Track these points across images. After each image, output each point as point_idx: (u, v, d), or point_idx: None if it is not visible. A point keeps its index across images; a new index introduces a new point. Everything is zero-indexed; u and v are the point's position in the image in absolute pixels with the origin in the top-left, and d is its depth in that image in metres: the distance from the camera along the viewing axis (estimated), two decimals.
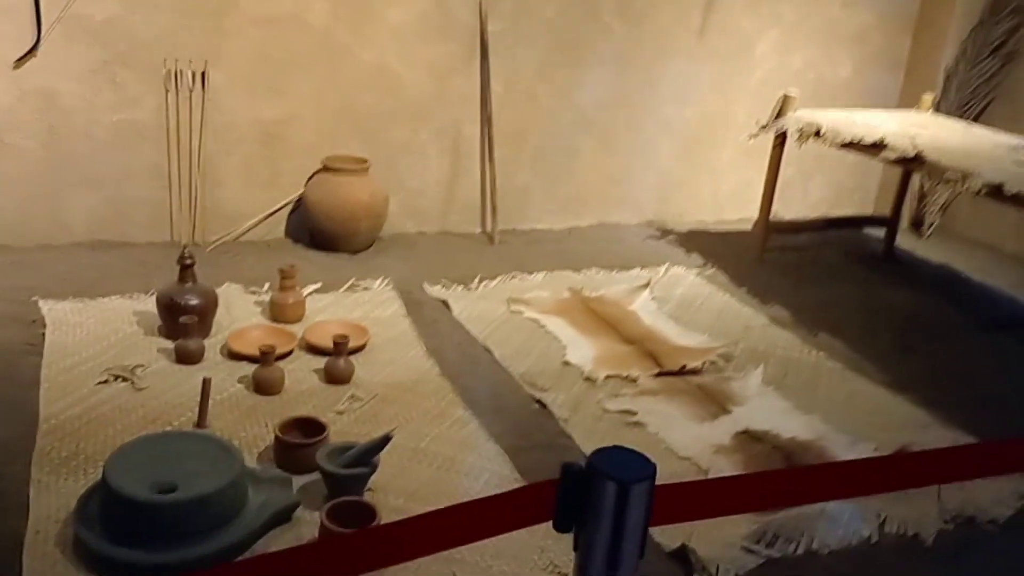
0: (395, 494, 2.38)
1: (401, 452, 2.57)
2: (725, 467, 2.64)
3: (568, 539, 1.14)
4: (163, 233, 4.06)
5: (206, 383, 2.56)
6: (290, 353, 3.09)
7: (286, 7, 3.97)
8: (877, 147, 3.70)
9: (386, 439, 2.28)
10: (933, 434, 2.95)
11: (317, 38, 4.05)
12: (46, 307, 3.28)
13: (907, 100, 5.28)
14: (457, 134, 4.45)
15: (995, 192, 3.16)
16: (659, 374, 3.17)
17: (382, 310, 3.54)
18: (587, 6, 4.48)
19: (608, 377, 3.13)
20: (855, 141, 3.79)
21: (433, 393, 2.92)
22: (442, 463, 2.54)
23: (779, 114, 4.27)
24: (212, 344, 3.09)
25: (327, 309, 3.50)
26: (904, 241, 5.01)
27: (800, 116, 4.16)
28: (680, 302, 3.93)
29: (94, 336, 3.10)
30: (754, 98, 4.94)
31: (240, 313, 3.38)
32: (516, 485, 2.40)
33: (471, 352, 3.27)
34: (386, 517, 2.16)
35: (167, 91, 3.88)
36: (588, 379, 3.11)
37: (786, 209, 5.27)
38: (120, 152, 3.90)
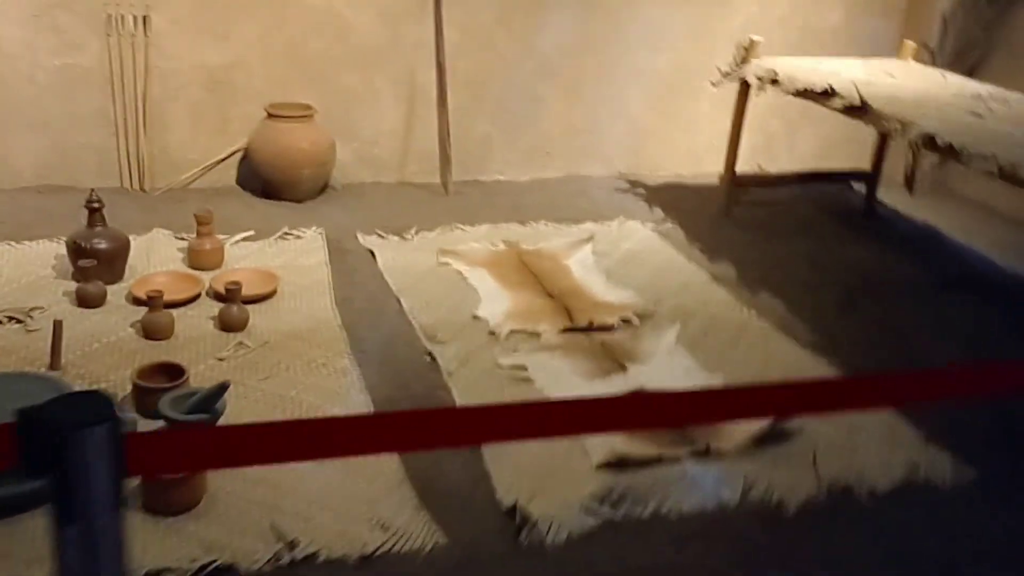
0: None
1: (267, 400, 2.55)
2: None
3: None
4: (112, 179, 4.09)
5: (57, 326, 2.57)
6: (195, 299, 3.09)
7: None
8: (826, 95, 3.50)
9: (222, 387, 2.26)
10: None
11: None
12: None
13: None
14: (412, 82, 4.37)
15: (930, 143, 2.95)
16: (565, 330, 3.08)
17: (305, 259, 3.51)
18: None
19: (513, 332, 3.06)
20: (807, 89, 3.59)
21: (324, 343, 2.89)
22: (304, 412, 2.52)
23: (743, 61, 4.07)
24: (121, 289, 3.11)
25: (249, 256, 3.49)
26: (894, 198, 4.77)
27: (760, 63, 3.96)
28: (624, 257, 3.82)
29: (6, 278, 3.15)
30: (734, 45, 4.72)
31: (160, 259, 3.39)
32: None
33: (381, 303, 3.23)
34: None
35: (108, 36, 3.87)
36: (492, 333, 3.04)
37: (772, 163, 5.07)
38: (64, 97, 3.93)
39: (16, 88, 3.86)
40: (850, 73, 3.83)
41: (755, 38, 4.06)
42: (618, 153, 4.86)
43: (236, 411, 2.47)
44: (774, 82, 3.80)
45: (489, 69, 4.47)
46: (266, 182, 4.08)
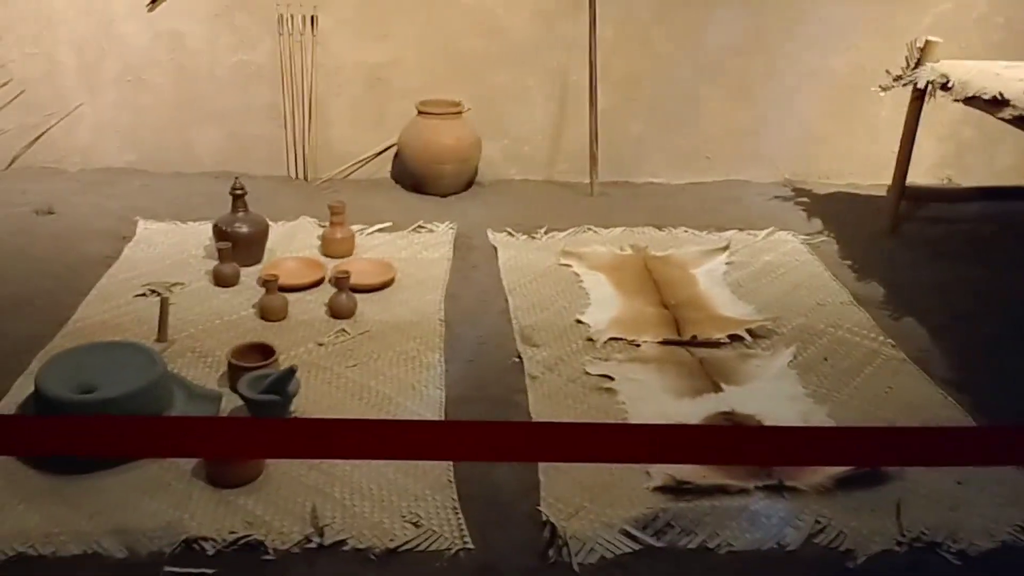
0: None
1: (348, 387, 2.65)
2: None
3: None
4: (279, 168, 4.40)
5: (164, 302, 2.79)
6: (317, 284, 3.26)
7: None
8: (996, 103, 3.11)
9: (291, 371, 2.37)
10: None
11: None
12: (143, 226, 3.72)
13: None
14: (563, 81, 4.35)
15: None
16: (666, 342, 2.96)
17: (430, 252, 3.61)
18: None
19: (612, 340, 2.98)
20: (976, 95, 3.21)
21: (421, 336, 2.95)
22: (378, 402, 2.59)
23: (916, 64, 3.70)
24: (257, 272, 3.34)
25: (379, 247, 3.63)
26: None
27: (935, 67, 3.59)
28: (761, 269, 3.60)
29: (162, 255, 3.48)
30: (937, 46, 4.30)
31: (299, 245, 3.61)
32: None
33: (489, 301, 3.25)
34: None
35: (279, 34, 4.16)
36: (590, 339, 2.98)
37: (964, 175, 4.60)
38: (240, 91, 4.27)
39: (199, 82, 4.23)
40: None
41: (932, 39, 3.67)
42: (784, 158, 4.58)
43: (317, 394, 2.59)
44: (945, 88, 3.42)
45: (644, 68, 4.36)
46: (412, 176, 4.22)
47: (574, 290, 3.35)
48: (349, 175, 4.40)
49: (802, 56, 4.36)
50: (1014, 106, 3.01)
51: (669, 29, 4.29)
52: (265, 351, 2.64)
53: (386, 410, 2.55)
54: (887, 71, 3.77)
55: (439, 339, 2.94)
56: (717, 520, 2.16)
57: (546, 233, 3.84)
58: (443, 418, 2.51)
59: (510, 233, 3.82)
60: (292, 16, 4.14)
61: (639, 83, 4.39)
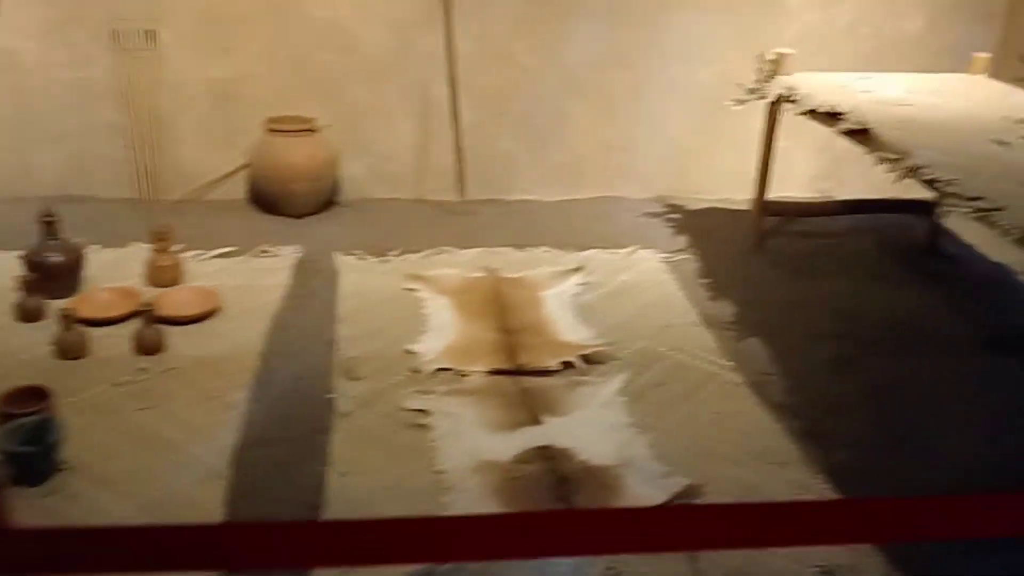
0: (89, 476, 2.27)
1: (132, 433, 2.45)
2: (472, 487, 2.28)
3: None
4: (126, 190, 4.17)
5: None
6: (131, 316, 3.04)
7: None
8: (832, 116, 3.03)
9: (47, 419, 2.17)
10: (781, 477, 2.39)
11: None
12: None
13: (1008, 59, 4.34)
14: (425, 96, 4.19)
15: (915, 172, 2.46)
16: (493, 371, 2.80)
17: (267, 278, 3.42)
18: None
19: (440, 370, 2.82)
20: (816, 109, 3.13)
21: (230, 372, 2.76)
22: (162, 448, 2.39)
23: (769, 76, 3.61)
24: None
25: (214, 274, 3.43)
26: (974, 233, 4.11)
27: (788, 80, 3.50)
28: (615, 290, 3.48)
29: None
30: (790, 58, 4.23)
31: (126, 273, 3.39)
32: (216, 481, 2.23)
33: (318, 331, 3.07)
34: (68, 495, 2.08)
35: (116, 50, 3.94)
36: (415, 371, 2.82)
37: (843, 189, 4.54)
38: (79, 110, 4.03)
39: (34, 101, 3.99)
40: (887, 91, 3.32)
41: (783, 51, 3.59)
42: (657, 174, 4.47)
43: (96, 442, 2.39)
44: (791, 101, 3.34)
45: (510, 83, 4.23)
46: (263, 196, 4.03)
47: (414, 316, 3.18)
48: (201, 196, 4.18)
49: (668, 70, 4.27)
50: (846, 119, 2.92)
51: (531, 43, 4.16)
52: (39, 395, 2.42)
53: (169, 458, 2.35)
54: (739, 84, 3.68)
55: (250, 375, 2.75)
56: (502, 570, 2.00)
57: (399, 255, 3.68)
58: (226, 465, 2.32)
59: (360, 256, 3.65)
60: (128, 31, 3.91)
61: (505, 98, 4.26)
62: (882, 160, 2.65)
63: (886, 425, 2.66)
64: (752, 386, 2.83)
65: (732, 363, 2.95)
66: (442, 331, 3.07)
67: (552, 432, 2.52)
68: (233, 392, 2.66)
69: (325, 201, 4.13)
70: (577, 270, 3.57)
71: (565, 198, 4.43)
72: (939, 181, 2.34)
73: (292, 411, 2.61)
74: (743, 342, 3.12)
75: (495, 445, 2.46)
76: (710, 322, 3.24)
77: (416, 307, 3.25)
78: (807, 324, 3.26)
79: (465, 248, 3.78)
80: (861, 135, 2.86)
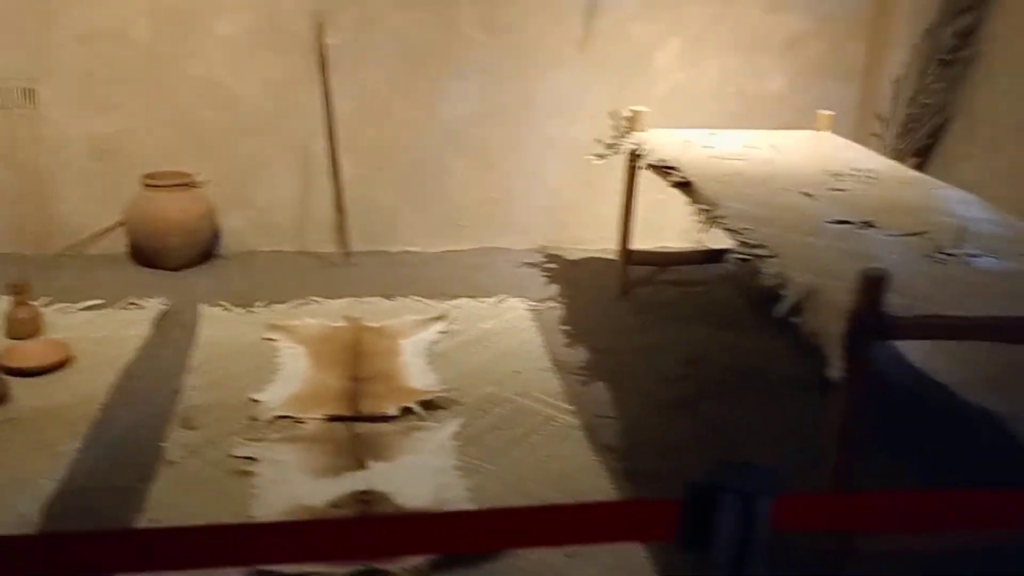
0: None
1: None
2: None
3: None
4: (7, 245, 4.19)
5: None
6: None
7: (108, 23, 3.99)
8: (666, 169, 3.18)
9: None
10: None
11: (141, 53, 4.05)
12: None
13: (866, 115, 4.57)
14: (306, 150, 4.30)
15: (717, 221, 2.60)
16: (331, 418, 2.86)
17: (127, 330, 3.45)
18: (442, 17, 4.19)
19: (279, 418, 2.87)
20: (654, 164, 3.29)
21: (70, 422, 2.79)
22: None
23: (626, 132, 3.77)
24: None
25: (76, 326, 3.46)
26: None
27: (640, 136, 3.66)
28: (475, 338, 3.56)
29: None
30: (659, 115, 4.39)
31: None
32: (25, 528, 2.24)
33: (166, 381, 3.11)
34: None
35: None
36: (254, 419, 2.86)
37: (718, 239, 4.69)
38: None
39: None
40: (727, 147, 3.49)
41: (637, 108, 3.76)
42: (538, 226, 4.60)
43: None
44: (638, 156, 3.50)
45: (390, 138, 4.35)
46: (140, 250, 4.09)
47: (265, 366, 3.23)
48: (82, 251, 4.22)
49: (543, 126, 4.42)
50: (673, 173, 3.07)
51: (409, 101, 4.30)
52: None
53: None
54: (597, 140, 3.84)
55: (87, 425, 2.78)
56: None
57: (266, 306, 3.74)
58: (37, 513, 2.34)
59: (226, 307, 3.70)
60: (7, 90, 3.98)
61: (386, 153, 4.37)
62: (697, 211, 2.79)
63: (712, 464, 2.75)
64: (587, 429, 2.91)
65: (572, 407, 3.04)
66: (291, 380, 3.13)
67: (375, 477, 2.57)
68: (67, 442, 2.68)
69: (203, 254, 4.19)
70: (440, 318, 3.66)
71: (447, 249, 4.54)
72: (733, 230, 2.48)
73: (121, 460, 2.64)
74: (589, 386, 3.22)
75: (315, 490, 2.51)
76: (560, 368, 3.34)
77: (270, 357, 3.30)
78: (655, 368, 3.37)
79: (335, 298, 3.85)
80: (686, 188, 3.00)
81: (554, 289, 4.11)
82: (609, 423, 2.97)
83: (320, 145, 4.26)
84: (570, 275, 4.29)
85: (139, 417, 2.87)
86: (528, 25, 4.26)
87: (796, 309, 2.09)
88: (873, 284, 1.88)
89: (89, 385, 3.03)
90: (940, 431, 3.00)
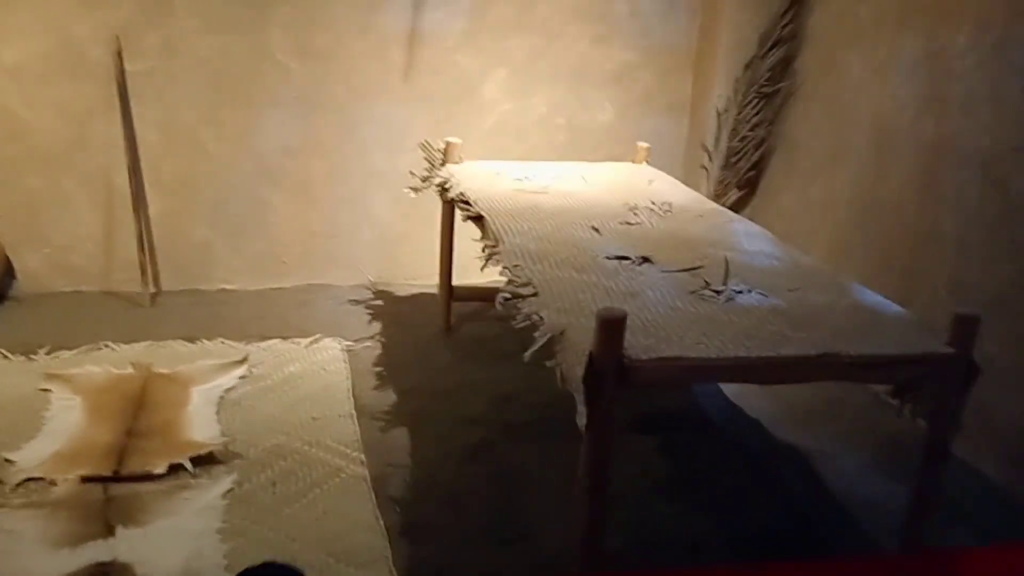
0: None
1: None
2: None
3: None
4: None
5: None
6: None
7: None
8: (463, 202, 3.06)
9: None
10: None
11: None
12: None
13: (694, 147, 4.58)
14: (108, 184, 4.03)
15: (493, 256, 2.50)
16: (86, 479, 2.61)
17: None
18: (252, 42, 4.01)
19: (28, 480, 2.60)
20: (455, 199, 3.17)
21: None
22: None
23: (440, 164, 3.65)
24: None
25: None
26: None
27: (452, 168, 3.54)
28: (277, 382, 3.35)
29: None
30: (487, 146, 4.30)
31: None
32: None
33: None
34: None
35: None
36: (1, 482, 2.59)
37: None
38: None
39: None
40: (537, 180, 3.40)
41: (451, 140, 3.65)
42: (366, 260, 4.43)
43: None
44: (444, 189, 3.38)
45: (200, 170, 4.12)
46: None
47: (31, 421, 2.95)
48: None
49: (367, 157, 4.27)
50: (469, 205, 2.96)
51: (220, 131, 4.08)
52: None
53: None
54: (411, 172, 3.71)
55: None
56: None
57: (50, 352, 3.45)
58: None
59: (4, 355, 3.39)
60: None
61: (196, 186, 4.14)
62: (483, 246, 2.68)
63: (496, 514, 2.62)
64: (374, 480, 2.74)
65: (365, 456, 2.86)
66: (55, 436, 2.86)
67: (122, 546, 2.33)
68: None
69: None
70: (242, 362, 3.43)
71: (269, 287, 4.32)
72: (505, 266, 2.36)
73: None
74: (388, 432, 3.06)
75: (52, 562, 2.26)
76: (363, 413, 3.16)
77: (40, 410, 3.02)
78: (460, 410, 3.23)
79: (131, 342, 3.59)
80: (479, 222, 2.89)
81: (376, 327, 3.95)
82: (400, 472, 2.81)
83: (123, 178, 3.99)
84: (395, 312, 4.13)
85: None
86: (346, 53, 4.11)
87: (547, 351, 1.98)
88: (610, 325, 1.78)
89: None
90: (746, 470, 2.94)
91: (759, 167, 4.23)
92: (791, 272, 2.46)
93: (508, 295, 2.20)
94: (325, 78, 4.12)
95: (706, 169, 4.42)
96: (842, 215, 3.63)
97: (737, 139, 4.23)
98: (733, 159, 4.26)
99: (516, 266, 2.33)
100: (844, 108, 3.64)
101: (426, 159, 3.65)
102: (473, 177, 3.37)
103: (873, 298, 2.28)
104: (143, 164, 4.00)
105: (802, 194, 3.97)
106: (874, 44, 3.44)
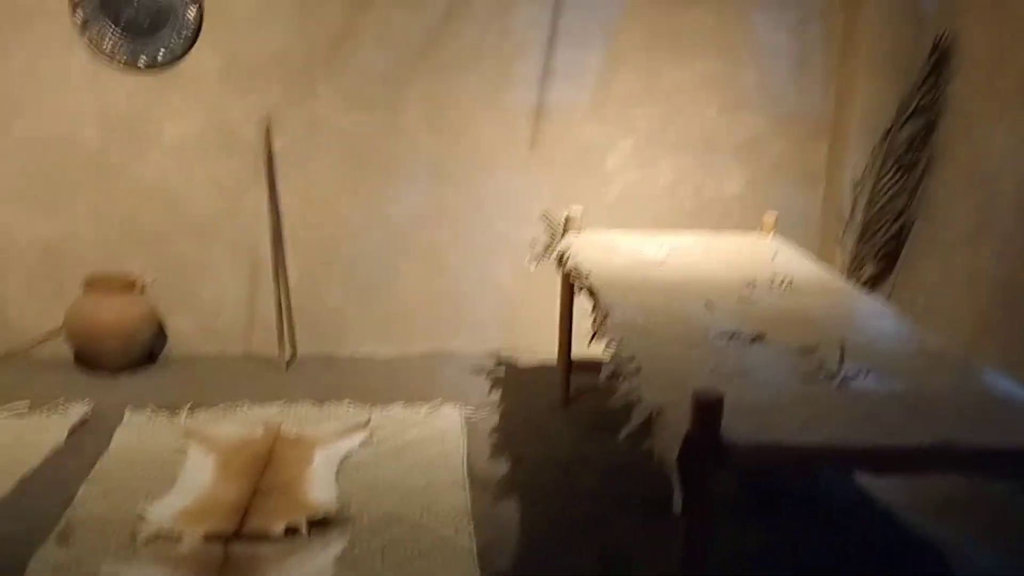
0: None
1: None
2: None
3: None
4: None
5: None
6: None
7: (58, 129, 4.07)
8: (579, 275, 3.07)
9: None
10: None
11: (90, 158, 4.11)
12: None
13: (829, 218, 4.44)
14: (253, 251, 4.29)
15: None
16: (212, 536, 2.73)
17: (41, 435, 3.41)
18: (388, 118, 4.21)
19: (156, 536, 2.75)
20: (568, 271, 3.19)
21: None
22: None
23: (562, 235, 3.69)
24: None
25: None
26: None
27: (571, 239, 3.57)
28: (397, 448, 3.43)
29: None
30: (612, 215, 4.32)
31: None
32: None
33: (62, 489, 3.02)
34: None
35: None
36: (134, 535, 2.75)
37: None
38: None
39: None
40: (655, 251, 3.38)
41: (572, 211, 3.69)
42: (490, 328, 4.50)
43: None
44: (561, 260, 3.40)
45: (336, 238, 4.33)
46: (80, 352, 4.07)
47: (168, 476, 3.13)
48: (27, 352, 4.21)
49: (493, 226, 4.37)
50: (580, 279, 2.96)
51: (356, 201, 4.29)
52: None
53: None
54: (531, 244, 3.76)
55: None
56: None
57: (190, 411, 3.66)
58: None
59: (150, 412, 3.63)
60: None
61: (333, 254, 4.35)
62: (592, 318, 2.67)
63: None
64: (482, 553, 2.73)
65: (473, 528, 2.87)
66: (187, 492, 3.02)
67: None
68: None
69: (143, 357, 4.15)
70: (364, 426, 3.54)
71: (396, 352, 4.44)
72: (610, 340, 2.35)
73: None
74: (498, 504, 3.05)
75: None
76: (475, 481, 3.18)
77: (176, 466, 3.21)
78: (574, 483, 3.20)
79: (265, 403, 3.77)
80: (592, 293, 2.89)
81: (495, 395, 3.99)
82: (506, 545, 2.79)
83: (266, 246, 4.24)
84: (515, 380, 4.16)
85: (19, 529, 2.78)
86: (474, 126, 4.25)
87: (645, 431, 1.95)
88: (707, 405, 1.73)
89: None
90: (873, 565, 2.76)
91: (898, 240, 4.04)
92: (915, 355, 2.33)
93: (610, 371, 2.18)
94: (453, 150, 4.27)
95: (841, 241, 4.26)
96: (986, 293, 3.41)
97: (874, 211, 4.07)
98: (870, 231, 4.09)
99: (621, 341, 2.31)
100: (988, 180, 3.44)
101: (547, 230, 3.69)
102: (591, 248, 3.38)
103: (1006, 385, 2.11)
104: (284, 232, 4.24)
105: (944, 269, 3.76)
106: (1018, 114, 3.26)
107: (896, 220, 4.02)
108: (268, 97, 4.11)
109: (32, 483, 3.07)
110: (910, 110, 3.88)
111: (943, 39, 3.69)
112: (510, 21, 4.15)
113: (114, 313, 3.97)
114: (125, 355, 4.04)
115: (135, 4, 3.96)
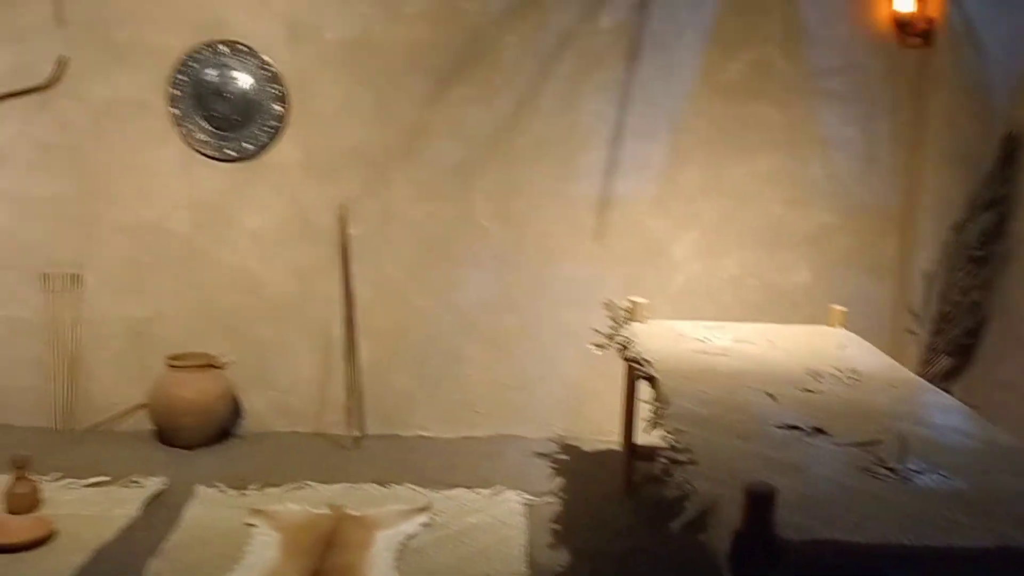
0: None
1: None
2: None
3: None
4: (44, 418, 4.41)
5: None
6: None
7: (150, 216, 4.33)
8: (638, 362, 3.10)
9: None
10: None
11: (180, 243, 4.35)
12: None
13: (900, 311, 4.38)
14: (327, 334, 4.43)
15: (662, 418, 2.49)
16: None
17: (118, 508, 3.53)
18: (458, 209, 4.36)
19: None
20: (630, 359, 3.21)
21: None
22: None
23: (625, 322, 3.73)
24: None
25: (70, 503, 3.57)
26: None
27: (635, 327, 3.61)
28: (456, 532, 3.45)
29: None
30: (677, 306, 4.35)
31: None
32: None
33: (135, 563, 3.11)
34: None
35: (45, 292, 4.34)
36: None
37: None
38: (7, 345, 4.39)
39: None
40: (719, 341, 3.39)
41: (636, 300, 3.73)
42: (554, 414, 4.53)
43: None
44: (623, 348, 3.44)
45: (406, 323, 4.45)
46: (160, 428, 4.23)
47: (234, 553, 3.21)
48: (110, 427, 4.39)
49: (558, 313, 4.43)
50: (641, 368, 2.99)
51: (426, 288, 4.42)
52: None
53: None
54: (596, 329, 3.81)
55: None
56: None
57: (259, 488, 3.76)
58: None
59: (221, 489, 3.74)
60: (57, 275, 4.32)
61: (402, 338, 4.46)
62: (652, 407, 2.69)
63: None
64: None
65: None
66: (251, 570, 3.08)
67: None
68: None
69: (219, 433, 4.29)
70: (425, 509, 3.57)
71: (461, 435, 4.49)
72: (667, 430, 2.36)
73: None
74: None
75: None
76: (536, 572, 3.17)
77: (243, 543, 3.28)
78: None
79: (331, 483, 3.84)
80: (652, 382, 2.91)
81: (558, 482, 3.98)
82: None
83: (339, 329, 4.39)
84: (578, 468, 4.15)
85: None
86: (541, 216, 4.36)
87: (701, 523, 1.94)
88: (758, 500, 1.73)
89: (58, 565, 3.07)
90: None
91: (975, 334, 3.96)
92: (983, 452, 2.28)
93: (665, 461, 2.19)
94: (521, 239, 4.38)
95: (914, 334, 4.19)
96: None
97: (948, 304, 4.01)
98: (944, 325, 4.02)
99: (678, 431, 2.32)
100: None
101: (610, 318, 3.74)
102: (654, 337, 3.41)
103: None
104: (357, 316, 4.37)
105: (1022, 367, 3.66)
106: None
107: (971, 314, 3.95)
108: (345, 188, 4.31)
109: (106, 555, 3.17)
110: (982, 203, 3.86)
111: (1015, 133, 3.68)
112: (576, 116, 4.29)
113: (194, 391, 4.13)
114: (202, 431, 4.19)
115: (227, 99, 4.23)
